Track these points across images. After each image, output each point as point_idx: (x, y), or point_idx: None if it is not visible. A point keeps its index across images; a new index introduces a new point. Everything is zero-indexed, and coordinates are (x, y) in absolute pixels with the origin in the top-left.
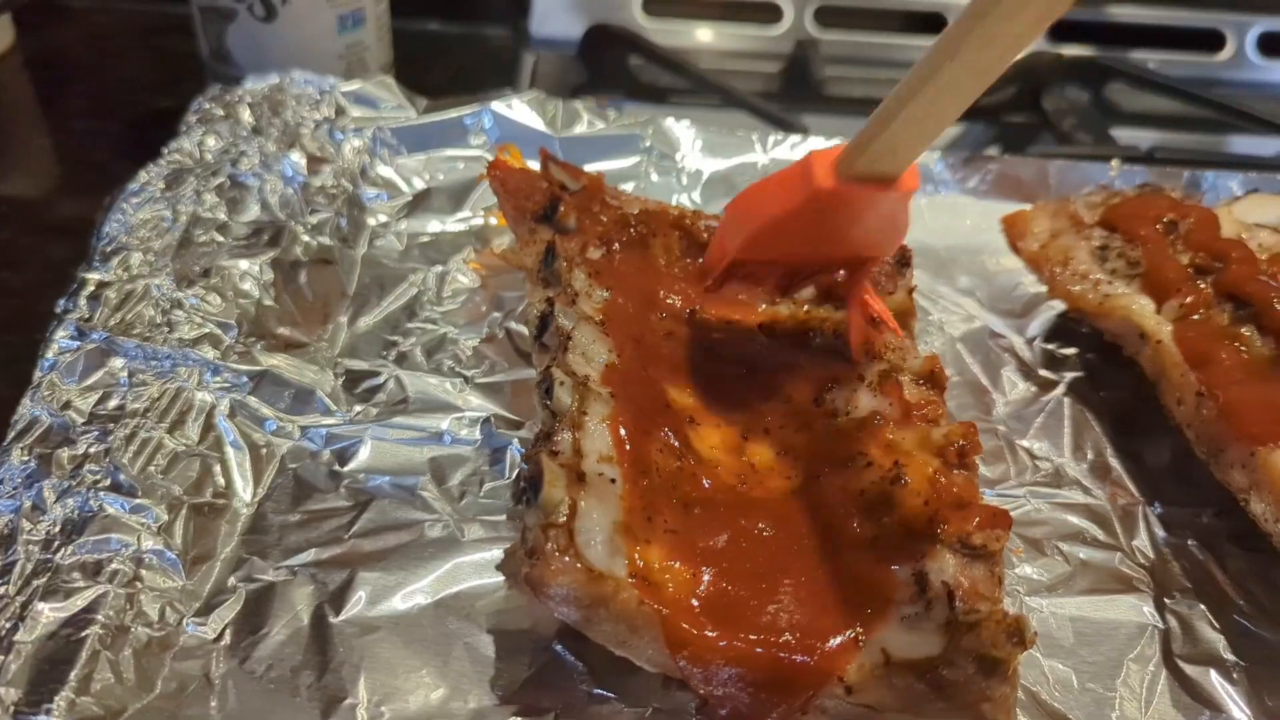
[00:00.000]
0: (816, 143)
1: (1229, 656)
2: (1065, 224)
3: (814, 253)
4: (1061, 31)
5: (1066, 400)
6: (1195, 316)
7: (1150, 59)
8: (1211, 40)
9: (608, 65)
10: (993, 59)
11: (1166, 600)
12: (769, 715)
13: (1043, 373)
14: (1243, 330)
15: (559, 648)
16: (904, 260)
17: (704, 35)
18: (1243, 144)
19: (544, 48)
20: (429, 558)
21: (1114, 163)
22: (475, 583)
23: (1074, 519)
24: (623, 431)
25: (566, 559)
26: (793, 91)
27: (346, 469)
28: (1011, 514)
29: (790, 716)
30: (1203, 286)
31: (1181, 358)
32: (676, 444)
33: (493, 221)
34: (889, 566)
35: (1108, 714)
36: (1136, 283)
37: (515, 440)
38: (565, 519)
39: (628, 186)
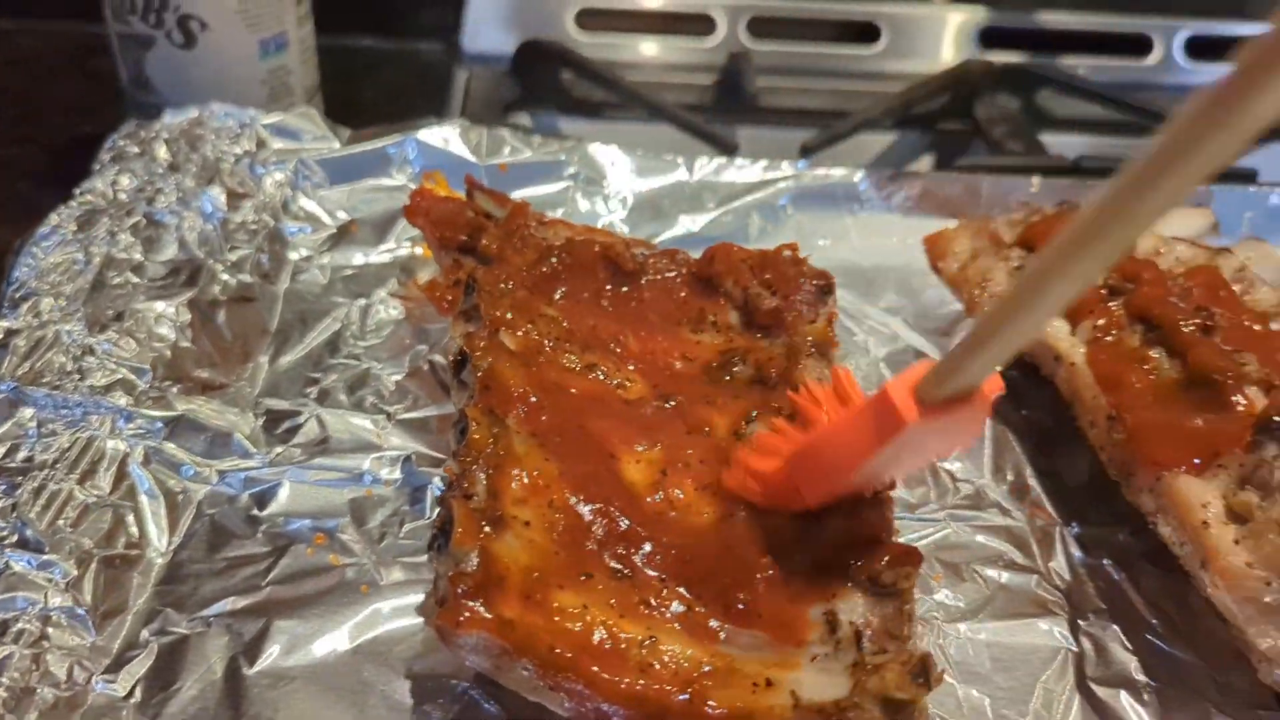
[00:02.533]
0: (743, 165)
1: (1140, 678)
2: (985, 244)
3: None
4: (992, 39)
5: (988, 421)
6: (1109, 338)
7: (1080, 64)
8: (1140, 45)
9: (541, 81)
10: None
11: (1081, 622)
12: None
13: None
14: (1152, 353)
15: (475, 693)
16: (826, 288)
17: (639, 48)
18: None
19: (476, 64)
20: (347, 603)
21: (1035, 179)
22: (394, 626)
23: (993, 542)
24: (538, 473)
25: (474, 608)
26: (727, 103)
27: (265, 513)
28: (931, 538)
29: None
30: (1114, 308)
31: (1094, 380)
32: (597, 484)
33: (418, 252)
34: (802, 606)
35: None
36: None
37: (436, 479)
38: (475, 566)
39: (557, 212)
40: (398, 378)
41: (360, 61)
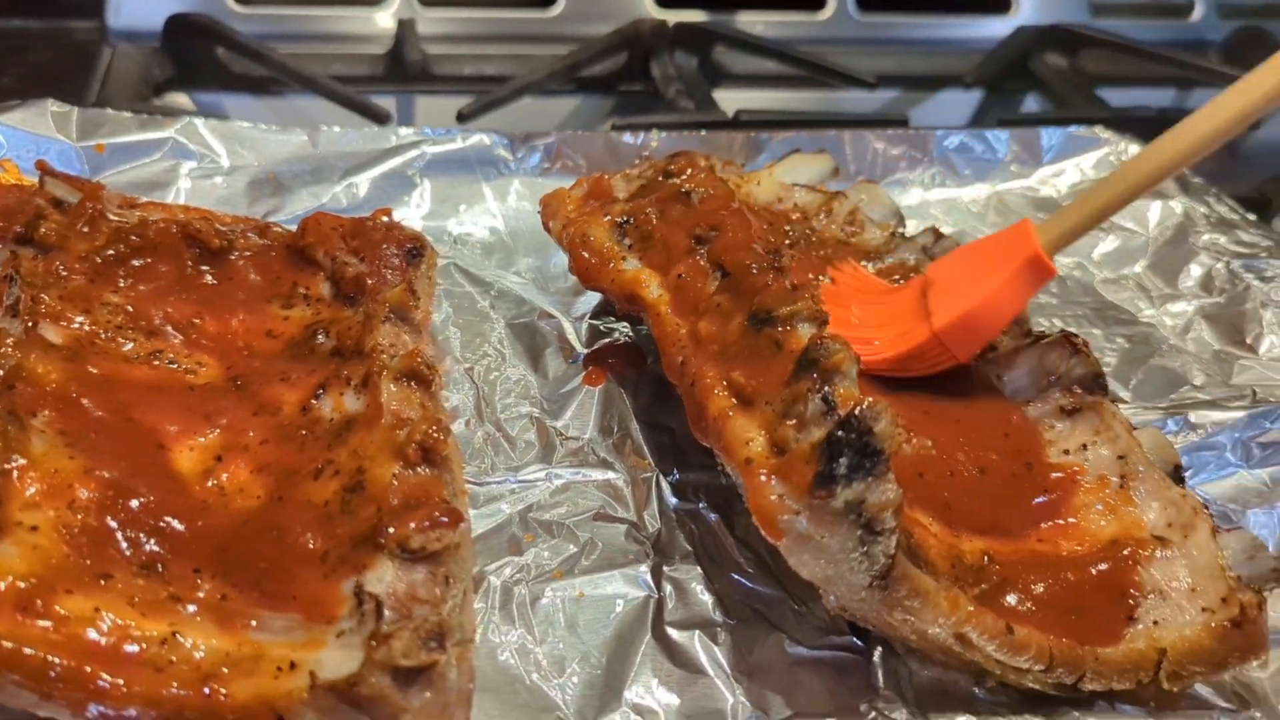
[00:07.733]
0: (375, 134)
1: (717, 616)
2: (597, 201)
3: None
4: None
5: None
6: (688, 287)
7: (758, 20)
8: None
9: (196, 58)
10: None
11: (665, 568)
12: None
13: (584, 351)
14: (723, 298)
15: None
16: (416, 251)
17: (306, 20)
18: (846, 100)
19: (124, 40)
20: None
21: (653, 133)
22: None
23: (591, 496)
24: (58, 472)
25: None
26: (395, 73)
27: None
28: (529, 498)
29: None
30: (699, 259)
31: (672, 328)
32: (135, 478)
33: None
34: (335, 582)
35: (593, 691)
36: (649, 256)
37: None
38: None
39: (168, 194)
40: None
41: (3, 44)
